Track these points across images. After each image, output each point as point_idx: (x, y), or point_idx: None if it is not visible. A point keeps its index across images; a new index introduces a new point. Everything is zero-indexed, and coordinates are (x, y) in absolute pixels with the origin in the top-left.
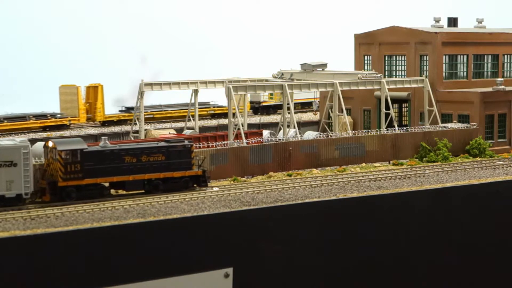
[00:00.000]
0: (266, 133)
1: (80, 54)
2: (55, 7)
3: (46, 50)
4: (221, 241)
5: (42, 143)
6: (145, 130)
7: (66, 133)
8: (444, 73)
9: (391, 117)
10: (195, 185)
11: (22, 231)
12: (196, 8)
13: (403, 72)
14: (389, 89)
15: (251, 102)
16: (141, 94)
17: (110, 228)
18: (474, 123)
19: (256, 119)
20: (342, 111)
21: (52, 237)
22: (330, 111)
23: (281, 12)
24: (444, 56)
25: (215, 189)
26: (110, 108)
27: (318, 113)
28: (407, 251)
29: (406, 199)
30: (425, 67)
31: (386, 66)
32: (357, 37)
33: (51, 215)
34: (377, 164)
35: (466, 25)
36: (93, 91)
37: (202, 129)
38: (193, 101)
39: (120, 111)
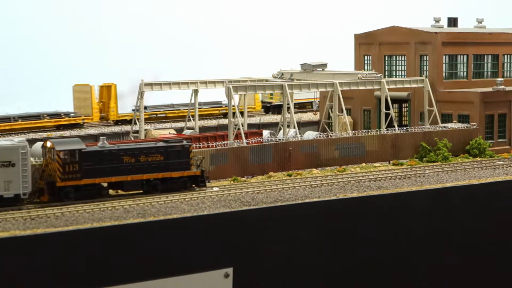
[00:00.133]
0: (266, 133)
1: (80, 54)
2: (55, 7)
3: (46, 50)
4: (221, 241)
5: (41, 143)
6: (145, 130)
7: (66, 133)
8: (444, 73)
9: (391, 117)
10: (193, 185)
11: (22, 231)
12: (196, 8)
13: (403, 72)
14: (389, 89)
15: (262, 102)
16: (141, 94)
17: (110, 228)
18: (474, 123)
19: (256, 119)
20: (342, 111)
21: (52, 237)
22: (330, 111)
23: (281, 12)
24: (444, 56)
25: (215, 189)
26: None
27: (318, 113)
28: (407, 251)
29: (406, 199)
30: (425, 67)
31: (386, 66)
32: (357, 37)
33: (51, 215)
34: (377, 164)
35: (466, 25)
36: (107, 90)
37: (202, 129)
38: (193, 101)
39: (132, 110)
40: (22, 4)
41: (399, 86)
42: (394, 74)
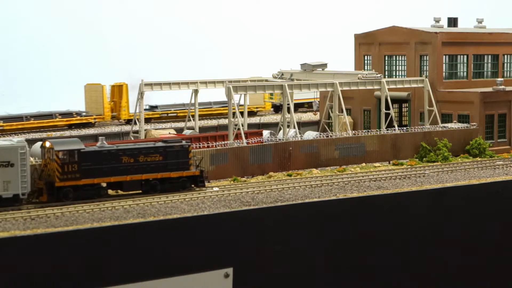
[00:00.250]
0: (266, 133)
1: (80, 54)
2: (55, 7)
3: (46, 50)
4: (221, 241)
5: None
6: (145, 130)
7: (67, 133)
8: (444, 73)
9: (391, 117)
10: (192, 186)
11: (22, 231)
12: (196, 8)
13: (403, 72)
14: (389, 89)
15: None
16: (141, 94)
17: (110, 228)
18: (474, 123)
19: (256, 119)
20: (342, 111)
21: (52, 237)
22: (330, 111)
23: (281, 12)
24: (444, 56)
25: (215, 189)
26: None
27: (318, 113)
28: (407, 251)
29: (406, 199)
30: (425, 67)
31: (386, 66)
32: (357, 37)
33: (51, 215)
34: (377, 164)
35: (466, 25)
36: (118, 90)
37: (202, 129)
38: (193, 101)
39: (144, 109)
40: (22, 4)
41: (399, 86)
42: (394, 74)
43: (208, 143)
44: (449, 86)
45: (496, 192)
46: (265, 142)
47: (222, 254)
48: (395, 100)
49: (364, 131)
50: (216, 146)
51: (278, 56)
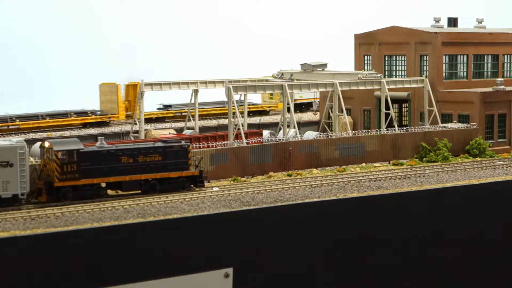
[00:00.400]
0: (266, 133)
1: (80, 54)
2: (55, 7)
3: (46, 50)
4: (221, 241)
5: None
6: (145, 130)
7: (67, 133)
8: (444, 73)
9: (391, 117)
10: (192, 186)
11: (22, 231)
12: (196, 8)
13: (403, 72)
14: (389, 89)
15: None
16: (141, 94)
17: (110, 228)
18: (474, 123)
19: (256, 119)
20: (342, 111)
21: (52, 237)
22: (330, 111)
23: (281, 12)
24: (444, 56)
25: (215, 189)
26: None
27: (318, 113)
28: (407, 251)
29: (406, 199)
30: (425, 67)
31: (386, 66)
32: (357, 37)
33: (51, 215)
34: (377, 164)
35: (466, 25)
36: (133, 89)
37: (202, 129)
38: (193, 101)
39: (158, 109)
40: (22, 4)
41: (399, 86)
42: (394, 74)
43: (208, 143)
44: (449, 86)
45: (496, 192)
46: (265, 142)
47: (222, 254)
48: (395, 100)
49: (364, 131)
50: (216, 146)
51: (278, 56)
